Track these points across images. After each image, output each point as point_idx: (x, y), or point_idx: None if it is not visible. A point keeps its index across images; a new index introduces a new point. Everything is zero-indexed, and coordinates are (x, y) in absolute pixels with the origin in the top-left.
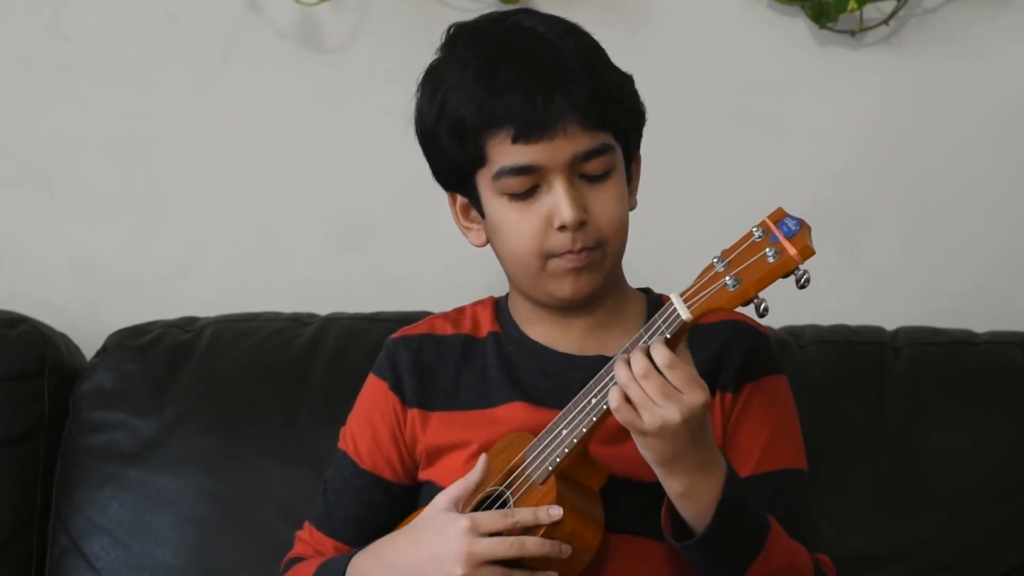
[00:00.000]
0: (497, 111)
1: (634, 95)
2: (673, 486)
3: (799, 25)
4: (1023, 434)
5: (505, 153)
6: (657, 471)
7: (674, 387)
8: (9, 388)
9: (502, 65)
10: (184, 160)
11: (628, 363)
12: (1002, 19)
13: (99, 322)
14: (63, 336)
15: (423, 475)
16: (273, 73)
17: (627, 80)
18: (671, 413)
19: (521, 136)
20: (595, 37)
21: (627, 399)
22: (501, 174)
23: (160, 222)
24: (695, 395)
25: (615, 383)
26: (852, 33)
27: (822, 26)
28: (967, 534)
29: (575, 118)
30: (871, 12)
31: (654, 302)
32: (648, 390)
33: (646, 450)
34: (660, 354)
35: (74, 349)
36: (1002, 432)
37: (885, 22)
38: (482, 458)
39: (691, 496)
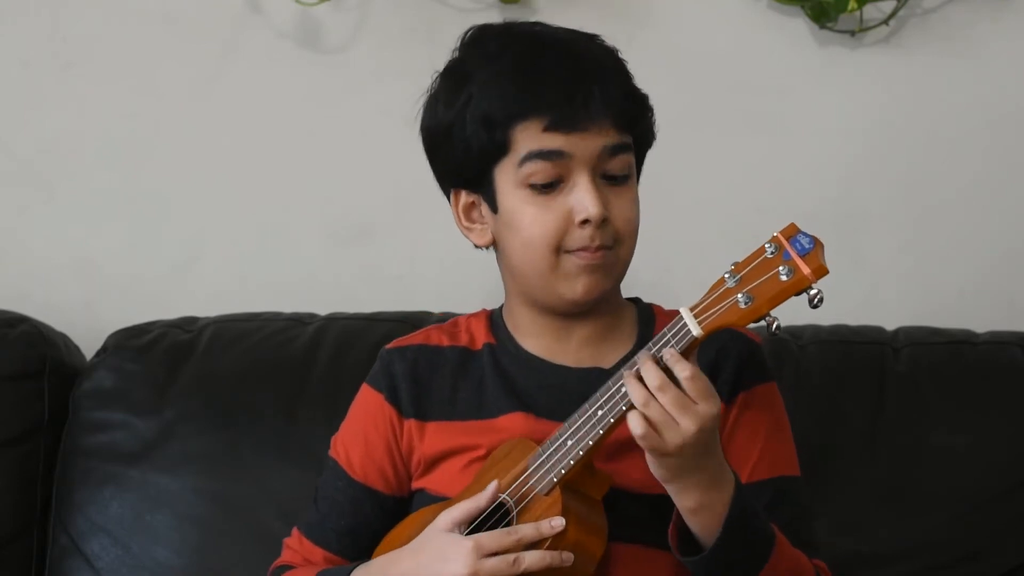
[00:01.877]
0: (533, 99)
1: (651, 112)
2: (685, 503)
3: (799, 25)
4: (1023, 434)
5: (534, 139)
6: (669, 488)
7: (690, 399)
8: (9, 388)
9: (541, 58)
10: (184, 160)
11: (639, 380)
12: (1002, 19)
13: (99, 322)
14: (63, 336)
15: (416, 484)
16: (273, 73)
17: (646, 97)
18: (687, 426)
19: (554, 126)
20: None
21: (647, 420)
22: (528, 158)
23: (160, 222)
24: (709, 406)
25: (628, 405)
26: (852, 33)
27: (822, 26)
28: (967, 534)
29: (609, 116)
30: (871, 12)
31: (644, 312)
32: (664, 403)
33: (662, 469)
34: (681, 366)
35: (74, 349)
36: (1002, 432)
37: (885, 22)
38: (492, 484)
39: (702, 511)
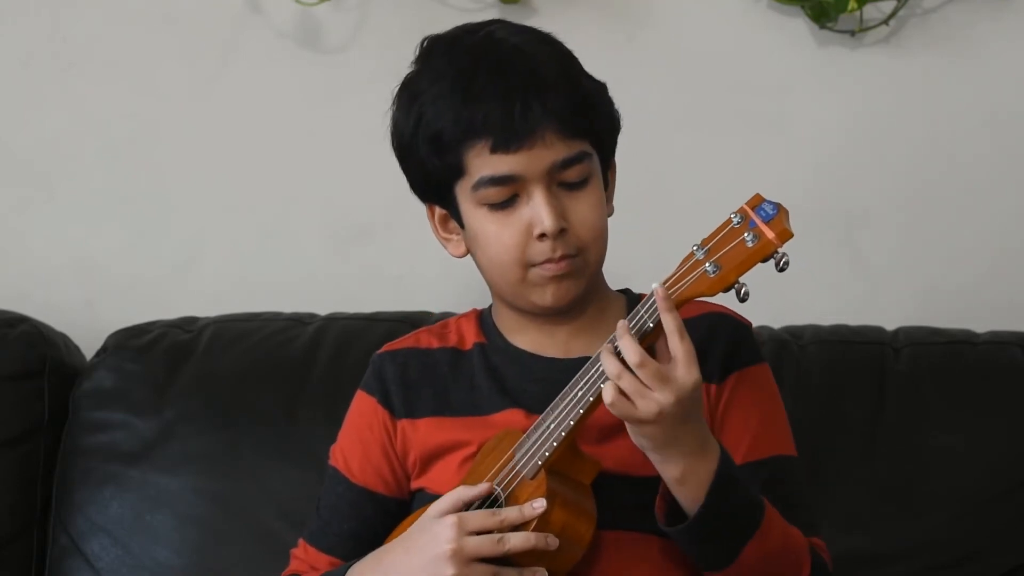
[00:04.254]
0: (475, 121)
1: (609, 102)
2: (670, 472)
3: (799, 25)
4: (1023, 434)
5: (484, 163)
6: (653, 457)
7: (668, 369)
8: (9, 388)
9: (478, 75)
10: (184, 160)
11: (615, 354)
12: (1002, 19)
13: (99, 322)
14: (63, 336)
15: (415, 483)
16: (273, 73)
17: (601, 87)
18: (665, 397)
19: (500, 146)
20: (596, 37)
21: (620, 391)
22: (480, 184)
23: (160, 222)
24: (688, 376)
25: (606, 378)
26: (852, 33)
27: (822, 26)
28: (967, 534)
29: (553, 126)
30: (871, 12)
31: (634, 302)
32: (642, 376)
33: (642, 438)
34: (632, 349)
35: (74, 349)
36: (1002, 432)
37: (885, 22)
38: (484, 485)
39: (687, 481)
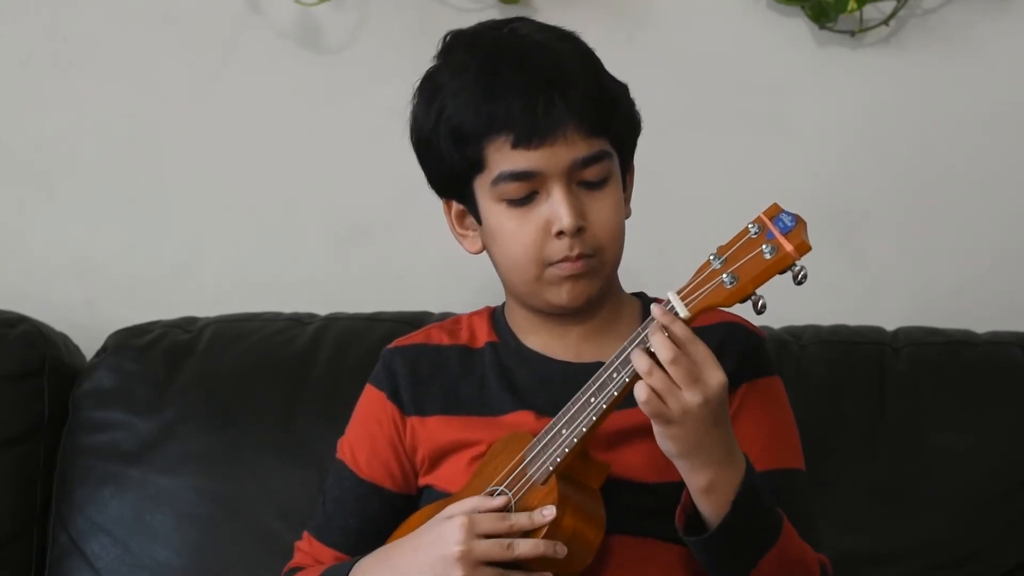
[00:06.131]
0: (497, 116)
1: (630, 103)
2: (698, 481)
3: (799, 25)
4: (1023, 434)
5: (504, 158)
6: (681, 465)
7: (696, 365)
8: (9, 388)
9: (501, 70)
10: (184, 160)
11: (647, 352)
12: (1002, 19)
13: (99, 322)
14: (63, 336)
15: (423, 480)
16: (273, 73)
17: (623, 88)
18: (693, 396)
19: (521, 141)
20: (596, 37)
21: (651, 390)
22: (500, 179)
23: (160, 222)
24: (714, 377)
25: (620, 389)
26: (852, 33)
27: (822, 26)
28: (967, 534)
29: (575, 124)
30: (871, 12)
31: (648, 305)
32: (673, 374)
33: (668, 441)
34: (680, 329)
35: (74, 349)
36: (1002, 432)
37: (885, 22)
38: (503, 497)
39: (714, 491)
